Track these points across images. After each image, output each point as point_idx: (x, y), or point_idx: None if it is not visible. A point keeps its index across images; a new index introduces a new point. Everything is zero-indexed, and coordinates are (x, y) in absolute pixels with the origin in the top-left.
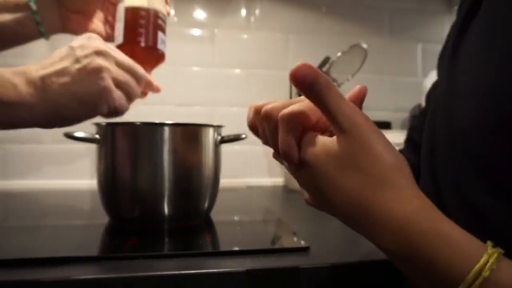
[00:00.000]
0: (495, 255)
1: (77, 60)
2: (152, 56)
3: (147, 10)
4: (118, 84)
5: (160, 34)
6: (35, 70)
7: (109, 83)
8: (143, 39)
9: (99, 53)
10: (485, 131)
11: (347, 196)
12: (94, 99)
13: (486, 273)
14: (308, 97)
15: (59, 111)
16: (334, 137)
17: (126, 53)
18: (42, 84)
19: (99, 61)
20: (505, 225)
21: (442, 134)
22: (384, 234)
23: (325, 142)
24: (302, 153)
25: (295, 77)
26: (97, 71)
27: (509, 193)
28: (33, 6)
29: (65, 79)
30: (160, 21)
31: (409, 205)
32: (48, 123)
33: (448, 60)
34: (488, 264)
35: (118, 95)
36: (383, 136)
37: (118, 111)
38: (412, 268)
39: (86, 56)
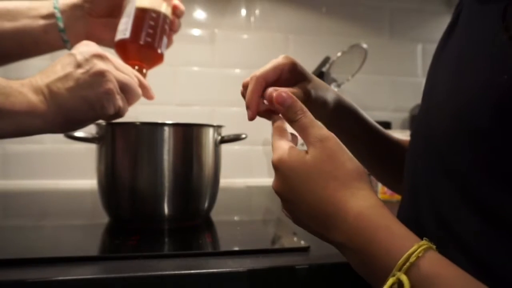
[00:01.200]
0: (424, 246)
1: (79, 65)
2: (152, 57)
3: (158, 13)
4: (121, 85)
5: (164, 38)
6: (40, 79)
7: (112, 85)
8: (149, 39)
9: (99, 57)
10: (457, 142)
11: (313, 193)
12: (101, 100)
13: (412, 259)
14: (287, 116)
15: (70, 115)
16: (303, 149)
17: (128, 48)
18: (49, 91)
19: (101, 64)
20: (475, 237)
21: (421, 143)
22: (342, 227)
23: (294, 152)
24: (273, 156)
25: (276, 101)
26: (101, 74)
27: (481, 205)
28: (58, 13)
29: (70, 84)
30: (166, 26)
31: (365, 202)
32: (60, 128)
33: (430, 70)
34: (415, 252)
35: (121, 96)
36: (346, 149)
37: (121, 112)
38: (360, 258)
39: (87, 61)
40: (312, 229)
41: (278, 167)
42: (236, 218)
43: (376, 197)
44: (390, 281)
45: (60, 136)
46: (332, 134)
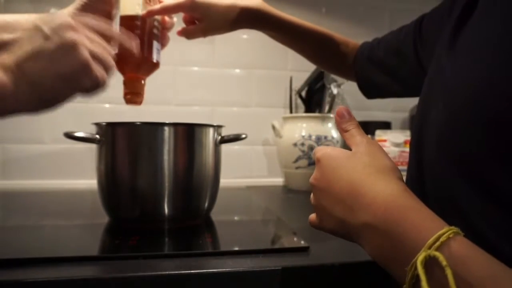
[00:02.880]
0: (454, 230)
1: (46, 37)
2: (146, 66)
3: (142, 19)
4: (94, 56)
5: (155, 43)
6: (8, 57)
7: (87, 55)
8: (137, 49)
9: (68, 27)
10: (471, 129)
11: (348, 175)
12: (76, 75)
13: (443, 239)
14: (342, 126)
15: (44, 93)
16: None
17: (121, 62)
18: (19, 71)
19: (71, 36)
20: (489, 225)
21: (432, 128)
22: (372, 206)
23: (339, 149)
24: (317, 153)
25: (337, 114)
26: (73, 47)
27: (494, 193)
28: None
29: (42, 62)
30: (155, 30)
31: (396, 186)
32: (35, 107)
33: (446, 52)
34: (446, 234)
35: (96, 66)
36: (385, 152)
37: (100, 83)
38: (385, 238)
39: (55, 33)
40: (336, 217)
41: (321, 158)
42: (236, 218)
43: (407, 187)
44: (423, 255)
45: (60, 136)
46: (376, 141)
